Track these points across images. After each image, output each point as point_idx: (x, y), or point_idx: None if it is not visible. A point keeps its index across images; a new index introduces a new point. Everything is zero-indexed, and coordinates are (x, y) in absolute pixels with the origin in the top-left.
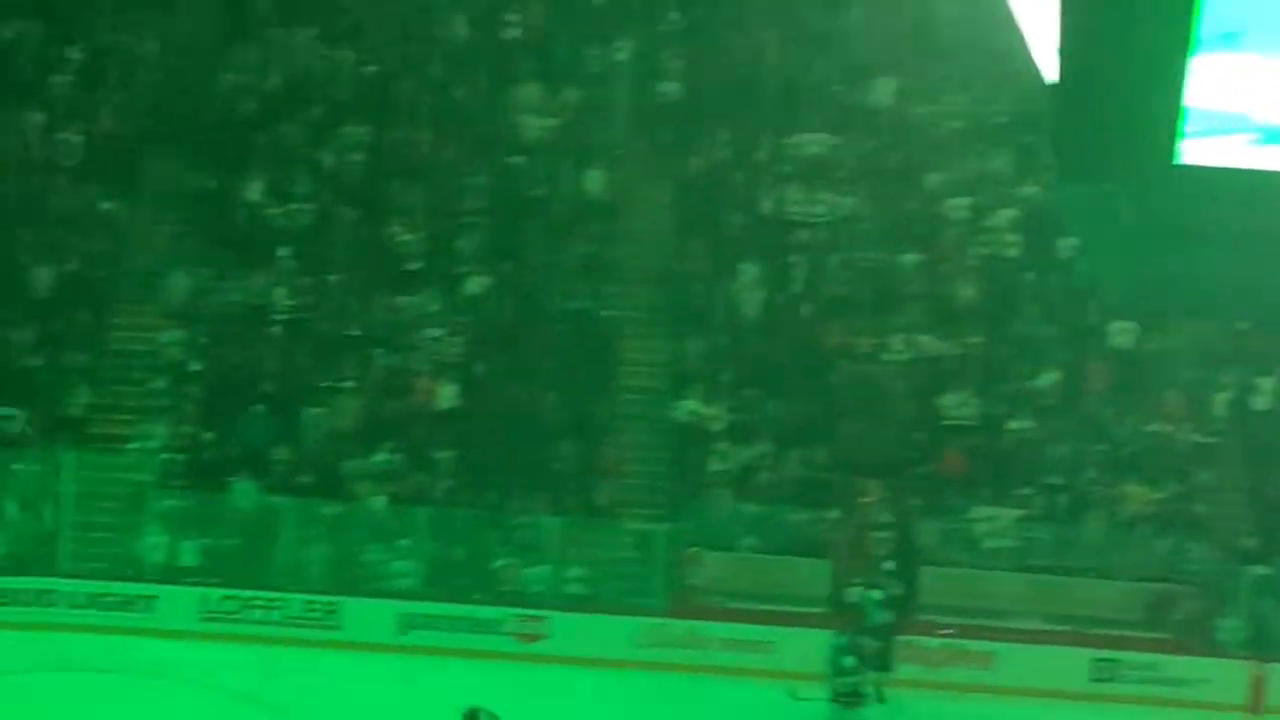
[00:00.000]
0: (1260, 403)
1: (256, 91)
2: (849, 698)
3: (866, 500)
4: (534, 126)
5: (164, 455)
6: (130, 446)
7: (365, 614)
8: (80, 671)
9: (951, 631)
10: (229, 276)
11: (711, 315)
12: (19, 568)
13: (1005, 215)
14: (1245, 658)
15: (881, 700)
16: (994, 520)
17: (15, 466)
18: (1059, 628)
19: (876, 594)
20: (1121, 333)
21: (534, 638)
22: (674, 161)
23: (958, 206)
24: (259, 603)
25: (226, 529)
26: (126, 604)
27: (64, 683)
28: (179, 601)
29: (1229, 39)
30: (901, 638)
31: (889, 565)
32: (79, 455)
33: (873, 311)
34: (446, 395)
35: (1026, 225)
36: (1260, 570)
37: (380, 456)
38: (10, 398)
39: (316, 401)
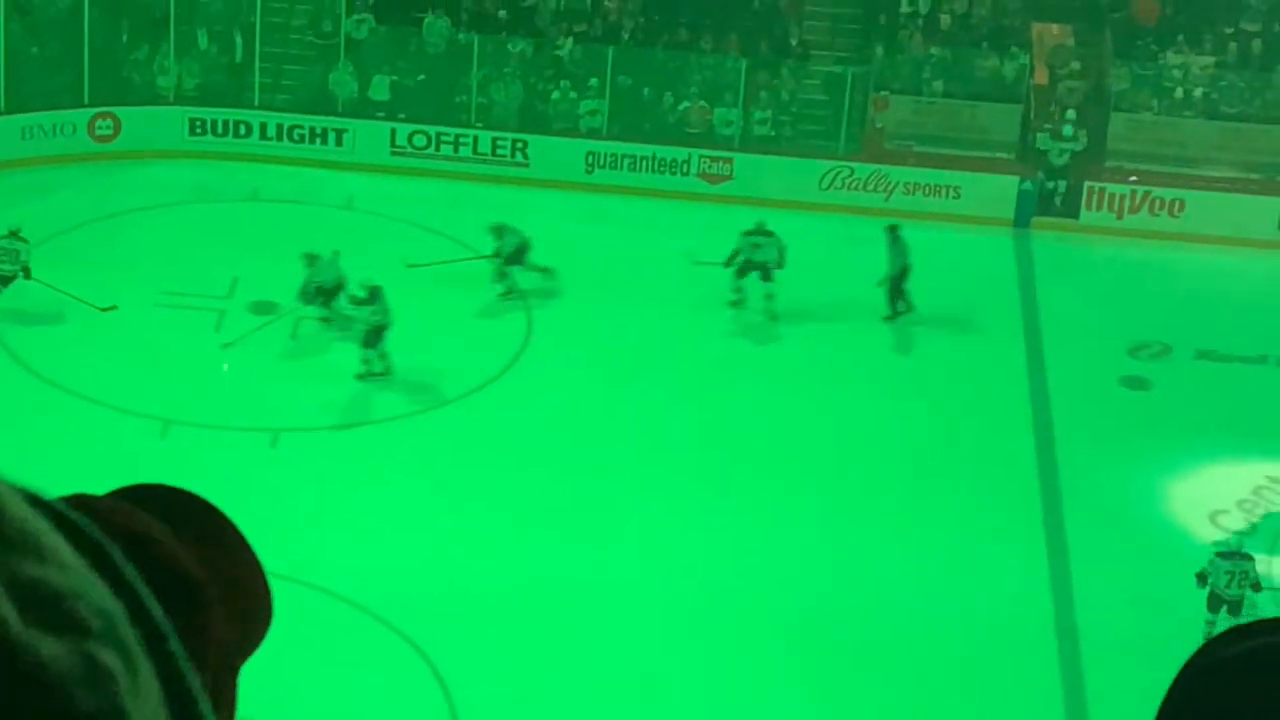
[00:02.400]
0: None
1: None
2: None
3: (1057, 44)
4: None
5: None
6: None
7: (553, 152)
8: (272, 201)
9: (1137, 178)
10: None
11: None
12: (212, 98)
13: None
14: None
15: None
16: (1187, 66)
17: None
18: (1250, 176)
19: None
20: None
21: (720, 179)
22: None
23: None
24: (448, 139)
25: (417, 65)
26: (317, 137)
27: (257, 212)
28: (369, 136)
29: None
30: (1089, 183)
31: (1076, 113)
32: None
33: None
34: None
35: None
36: None
37: None
38: None
39: None
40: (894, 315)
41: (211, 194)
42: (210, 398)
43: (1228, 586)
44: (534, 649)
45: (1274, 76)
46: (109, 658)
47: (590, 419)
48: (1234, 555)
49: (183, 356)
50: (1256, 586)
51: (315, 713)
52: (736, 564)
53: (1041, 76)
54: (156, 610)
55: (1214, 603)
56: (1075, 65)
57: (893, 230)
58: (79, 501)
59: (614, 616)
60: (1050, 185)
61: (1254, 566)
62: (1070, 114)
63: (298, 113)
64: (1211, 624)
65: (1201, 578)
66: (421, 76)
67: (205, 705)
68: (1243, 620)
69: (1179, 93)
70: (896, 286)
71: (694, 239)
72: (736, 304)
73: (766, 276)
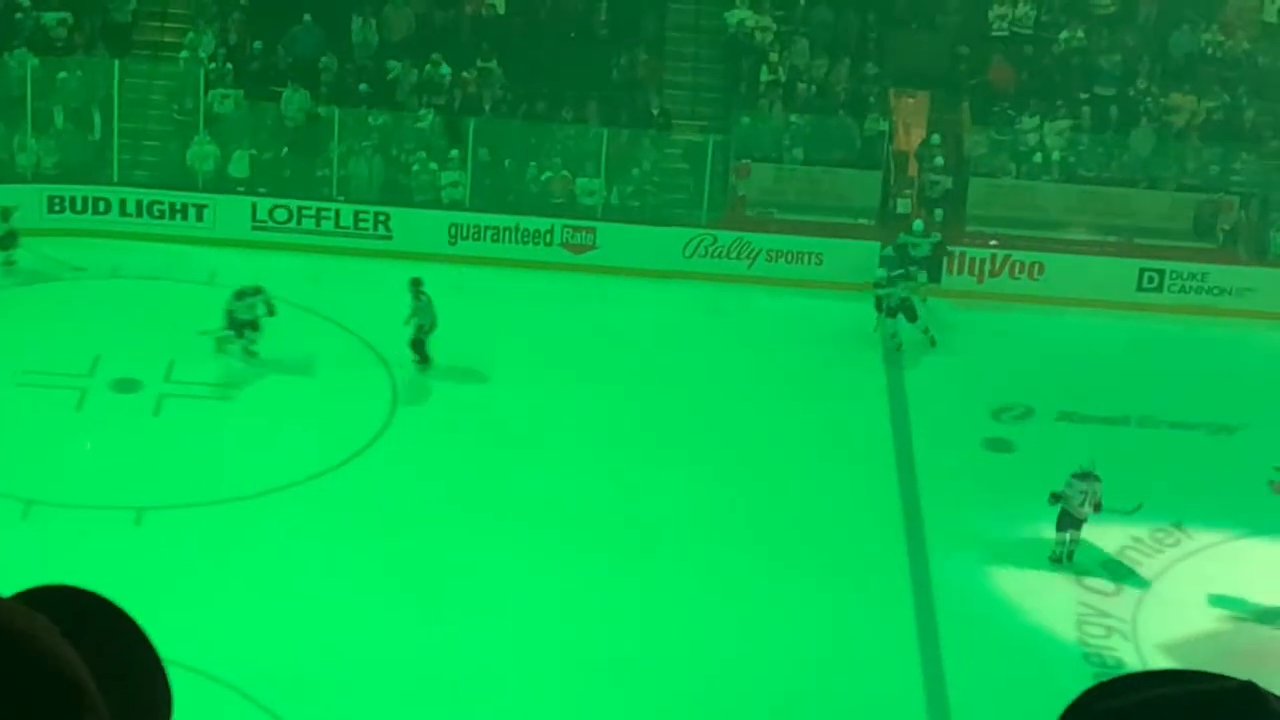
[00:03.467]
0: None
1: None
2: (896, 306)
3: (916, 111)
4: None
5: (212, 64)
6: (179, 55)
7: (416, 223)
8: (134, 278)
9: (997, 243)
10: None
11: None
12: (71, 176)
13: None
14: None
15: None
16: (1043, 131)
17: (61, 75)
18: (1108, 238)
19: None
20: None
21: (584, 248)
22: None
23: None
24: (309, 213)
25: (277, 139)
26: (178, 213)
27: (118, 289)
28: (230, 210)
29: None
30: (950, 248)
31: (936, 176)
32: (125, 62)
33: None
34: (497, 3)
35: None
36: None
37: (429, 67)
38: (57, 1)
39: (365, 10)
40: (422, 364)
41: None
42: (72, 477)
43: (1081, 505)
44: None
45: (1129, 139)
46: None
47: (455, 491)
48: (1087, 476)
49: (44, 436)
50: (1097, 507)
51: None
52: (598, 636)
53: (902, 142)
54: None
55: (1063, 521)
56: (934, 130)
57: (415, 284)
58: None
59: (486, 691)
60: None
61: (1100, 487)
62: (931, 177)
63: (158, 188)
64: (1061, 543)
65: (1055, 497)
66: (284, 150)
67: None
68: (1082, 537)
69: (1037, 157)
70: (419, 340)
71: (558, 309)
72: None
73: None
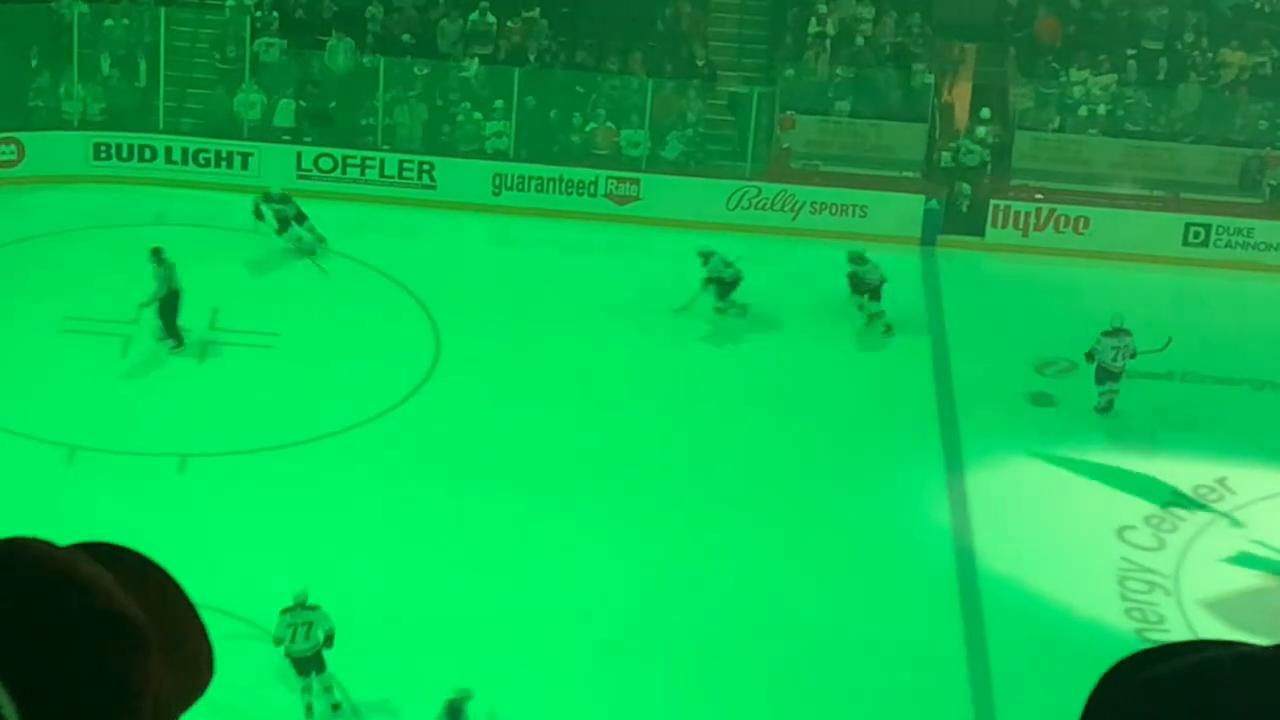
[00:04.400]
0: None
1: None
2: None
3: (962, 63)
4: None
5: (258, 12)
6: (225, 2)
7: (460, 174)
8: (178, 225)
9: (1043, 196)
10: None
11: None
12: (117, 123)
13: None
14: None
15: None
16: (1090, 84)
17: (107, 23)
18: (1153, 192)
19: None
20: None
21: (627, 199)
22: None
23: None
24: (354, 162)
25: (322, 88)
26: (223, 160)
27: (163, 236)
28: (275, 159)
29: None
30: (995, 202)
31: (973, 146)
32: (171, 10)
33: None
34: None
35: None
36: None
37: (474, 16)
38: None
39: None
40: (172, 342)
41: (116, 219)
42: (117, 423)
43: (1115, 360)
44: (444, 674)
45: (1175, 94)
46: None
47: (499, 440)
48: (1117, 332)
49: (89, 382)
50: (1133, 354)
51: None
52: (644, 595)
53: (947, 95)
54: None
55: (1101, 375)
56: (981, 82)
57: (156, 253)
58: (18, 545)
59: (522, 643)
60: (962, 189)
61: (1132, 340)
62: (985, 113)
63: (203, 136)
64: (1105, 394)
65: (1090, 355)
66: (333, 104)
67: None
68: (1119, 388)
69: (1083, 110)
70: (166, 311)
71: (602, 259)
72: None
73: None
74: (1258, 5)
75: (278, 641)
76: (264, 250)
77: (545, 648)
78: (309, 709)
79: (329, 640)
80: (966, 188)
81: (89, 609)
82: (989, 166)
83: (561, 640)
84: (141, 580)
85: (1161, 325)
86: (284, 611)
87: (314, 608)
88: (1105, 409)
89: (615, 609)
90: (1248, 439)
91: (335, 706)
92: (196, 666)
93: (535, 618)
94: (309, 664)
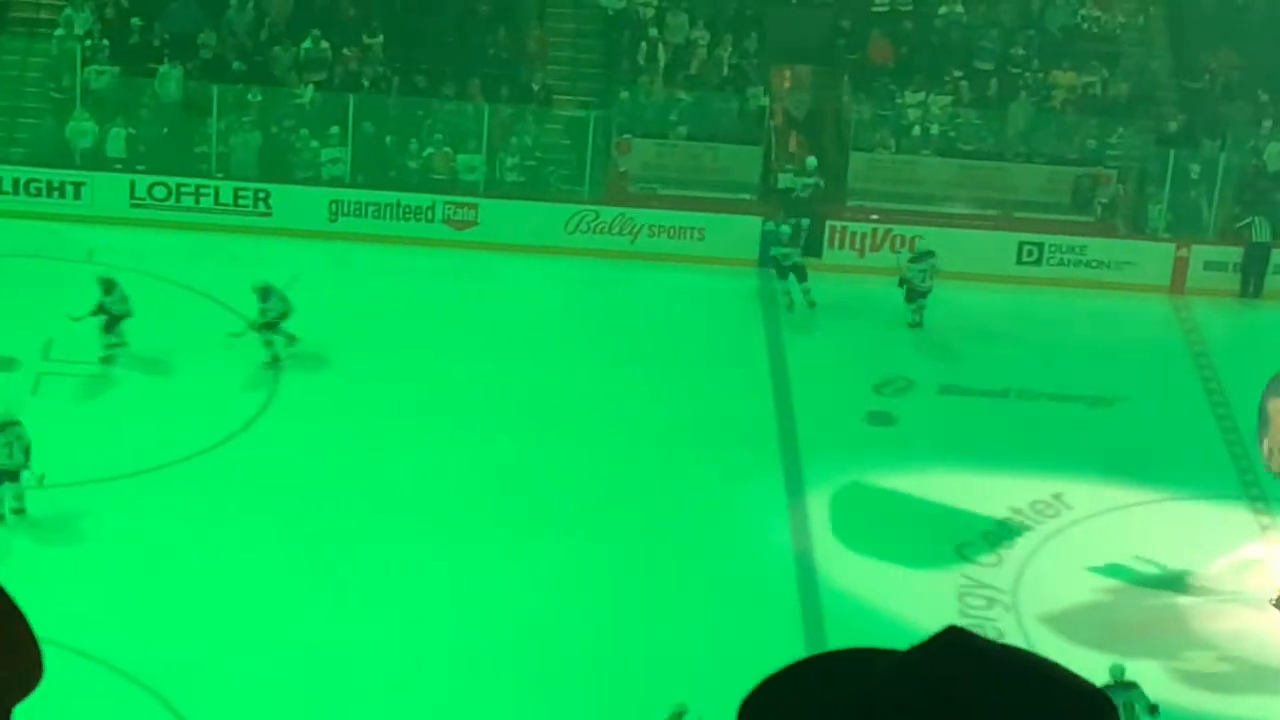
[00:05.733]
0: None
1: None
2: (788, 267)
3: (797, 86)
4: None
5: (89, 40)
6: (55, 32)
7: (296, 200)
8: (10, 256)
9: (878, 217)
10: None
11: None
12: None
13: None
14: (1168, 240)
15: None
16: (923, 105)
17: None
18: (987, 211)
19: (804, 180)
20: None
21: (465, 224)
22: None
23: None
24: (188, 190)
25: (155, 116)
26: (55, 190)
27: None
28: (108, 188)
29: None
30: (831, 223)
31: (813, 160)
32: (1, 41)
33: None
34: None
35: None
36: (1184, 154)
37: (308, 43)
38: None
39: None
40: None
41: None
42: None
43: (923, 281)
44: (284, 701)
45: (1007, 114)
46: None
47: (340, 471)
48: (923, 256)
49: None
50: (937, 274)
51: None
52: (475, 623)
53: (780, 118)
54: None
55: (912, 295)
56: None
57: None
58: None
59: (363, 672)
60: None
61: (937, 261)
62: (810, 162)
63: (35, 166)
64: (916, 310)
65: (901, 281)
66: (164, 129)
67: None
68: (926, 303)
69: (916, 131)
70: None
71: (441, 284)
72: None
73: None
74: (1085, 26)
75: None
76: (95, 281)
77: (376, 678)
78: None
79: (27, 456)
80: (806, 222)
81: None
82: (822, 190)
83: (391, 670)
84: None
85: (997, 343)
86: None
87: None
88: (918, 324)
89: (447, 635)
90: (1082, 455)
91: (18, 511)
92: (20, 663)
93: (368, 646)
94: (4, 476)
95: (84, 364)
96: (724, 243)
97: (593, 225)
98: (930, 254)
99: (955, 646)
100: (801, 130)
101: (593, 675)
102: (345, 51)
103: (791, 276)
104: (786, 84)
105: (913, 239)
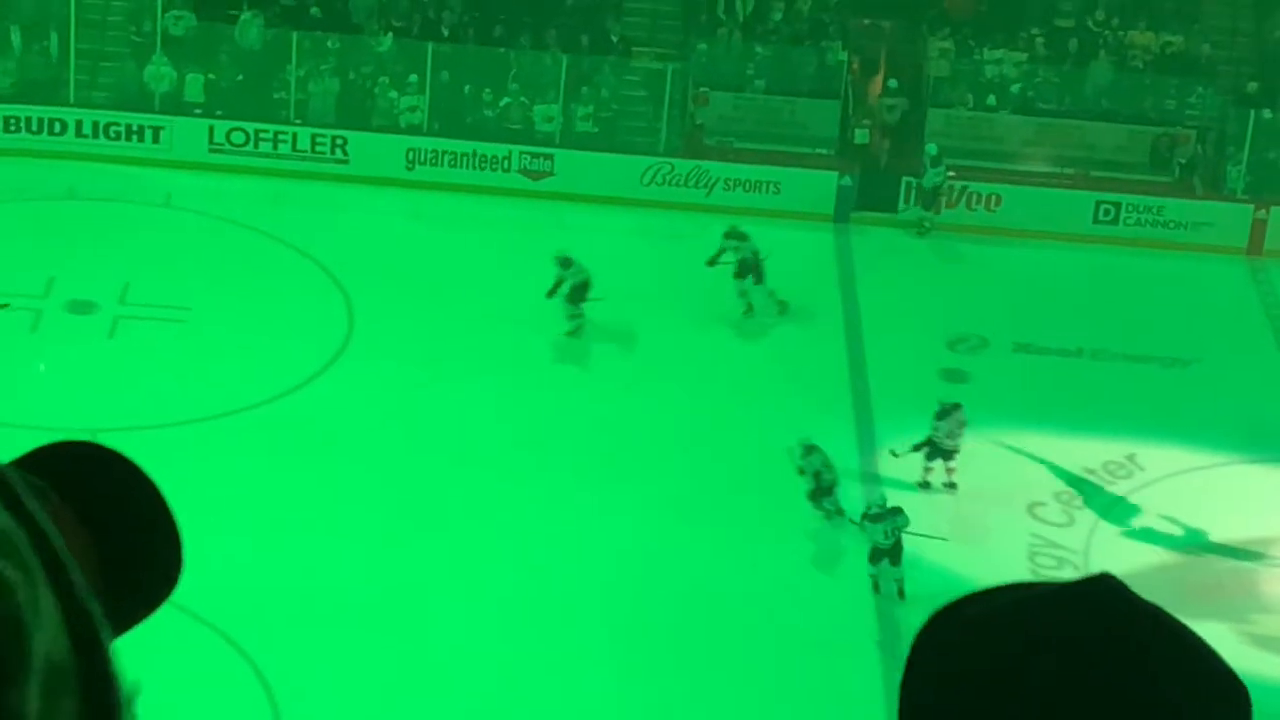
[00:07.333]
0: None
1: None
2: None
3: (876, 41)
4: None
5: None
6: None
7: (373, 148)
8: (89, 200)
9: (954, 174)
10: None
11: None
12: (27, 96)
13: None
14: (1247, 201)
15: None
16: (1003, 62)
17: None
18: (1064, 170)
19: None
20: None
21: (541, 175)
22: None
23: None
24: (266, 136)
25: (234, 62)
26: (134, 134)
27: (74, 210)
28: (187, 133)
29: None
30: (906, 178)
31: (892, 101)
32: None
33: None
34: None
35: None
36: (1265, 114)
37: None
38: None
39: None
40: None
41: (27, 192)
42: (27, 398)
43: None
44: (357, 649)
45: (1086, 73)
46: (9, 571)
47: (414, 417)
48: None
49: None
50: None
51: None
52: (560, 564)
53: (861, 73)
54: (58, 540)
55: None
56: (894, 60)
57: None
58: None
59: (435, 617)
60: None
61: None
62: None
63: (114, 109)
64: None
65: (920, 186)
66: (240, 77)
67: (106, 633)
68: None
69: (994, 89)
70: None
71: (515, 235)
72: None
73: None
74: None
75: None
76: (176, 224)
77: (463, 624)
78: None
79: None
80: (887, 144)
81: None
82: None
83: (481, 617)
84: (100, 494)
85: (1072, 302)
86: None
87: None
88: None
89: (539, 583)
90: (1156, 416)
91: None
92: (148, 583)
93: (457, 592)
94: None
95: (162, 308)
96: (800, 197)
97: (668, 178)
98: (939, 158)
99: (1114, 591)
100: (880, 84)
101: (674, 612)
102: None
103: (750, 277)
104: (865, 38)
105: (989, 196)
